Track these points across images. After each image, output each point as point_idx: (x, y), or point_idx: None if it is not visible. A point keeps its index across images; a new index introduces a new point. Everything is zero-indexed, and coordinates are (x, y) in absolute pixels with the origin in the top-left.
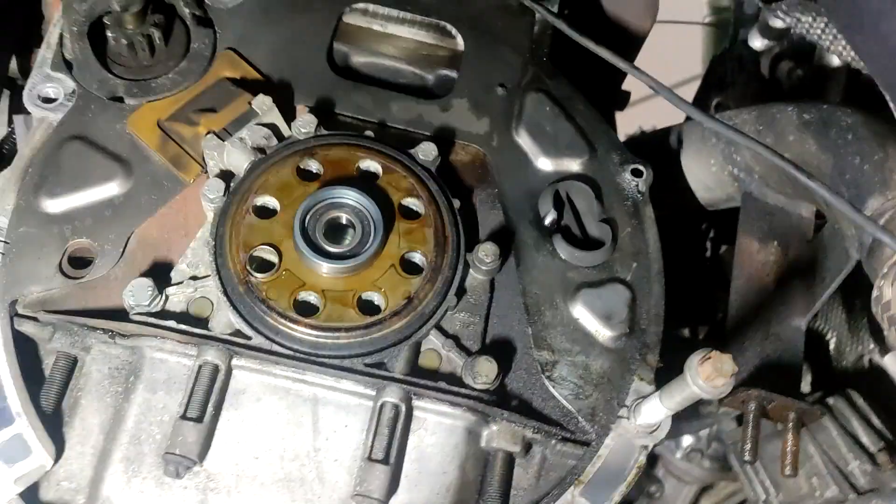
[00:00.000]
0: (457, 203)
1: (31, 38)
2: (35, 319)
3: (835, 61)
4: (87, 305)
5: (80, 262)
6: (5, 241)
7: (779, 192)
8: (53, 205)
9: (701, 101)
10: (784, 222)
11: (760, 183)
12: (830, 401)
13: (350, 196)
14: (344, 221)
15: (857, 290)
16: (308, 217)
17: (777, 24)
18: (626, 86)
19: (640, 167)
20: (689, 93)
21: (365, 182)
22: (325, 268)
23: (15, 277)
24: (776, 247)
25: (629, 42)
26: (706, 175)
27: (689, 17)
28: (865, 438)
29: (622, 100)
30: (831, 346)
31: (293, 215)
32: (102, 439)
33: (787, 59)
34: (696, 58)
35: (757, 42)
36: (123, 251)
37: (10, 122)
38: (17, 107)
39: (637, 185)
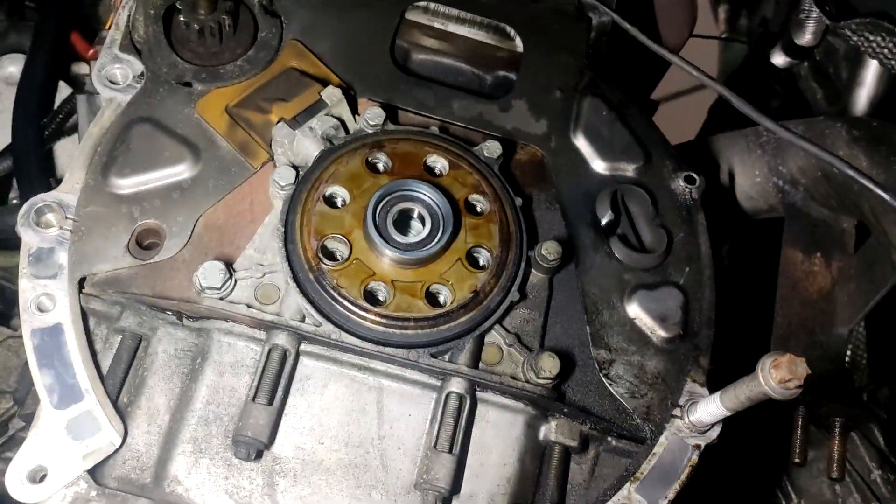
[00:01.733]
0: (518, 201)
1: None
2: (101, 298)
3: (866, 80)
4: (154, 286)
5: (147, 244)
6: (74, 219)
7: (823, 205)
8: (123, 185)
9: (719, 116)
10: (827, 235)
11: (805, 195)
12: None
13: (422, 189)
14: (415, 214)
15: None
16: (379, 207)
17: (802, 41)
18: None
19: (694, 175)
20: (701, 106)
21: (432, 177)
22: (396, 258)
23: (83, 256)
24: (820, 258)
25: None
26: (749, 185)
27: (705, 31)
28: (887, 448)
29: (651, 109)
30: (847, 357)
31: (363, 206)
32: (168, 419)
33: (808, 78)
34: (710, 71)
35: (779, 59)
36: (191, 234)
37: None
38: None
39: (690, 192)
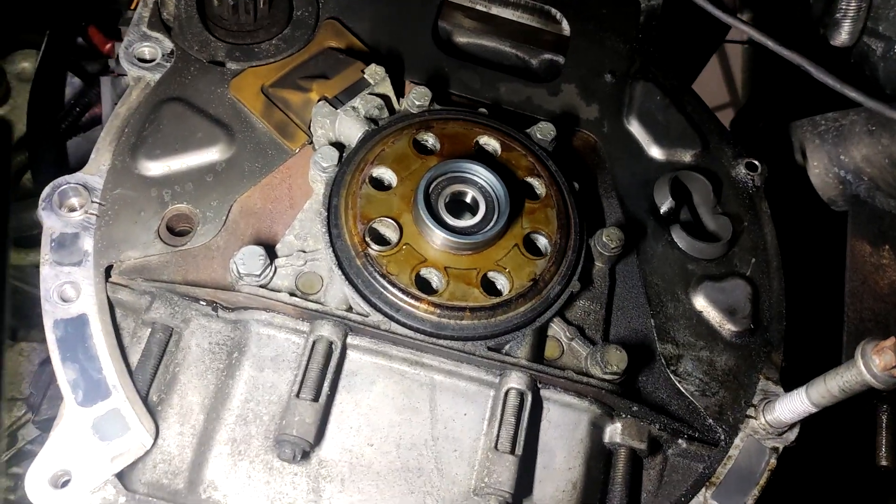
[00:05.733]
0: (576, 186)
1: None
2: (130, 287)
3: None
4: (186, 275)
5: (179, 229)
6: (100, 203)
7: (890, 195)
8: (152, 167)
9: (746, 122)
10: (894, 226)
11: (870, 185)
12: None
13: (476, 170)
14: (468, 198)
15: None
16: (430, 189)
17: (838, 42)
18: None
19: (756, 161)
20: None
21: (483, 159)
22: (450, 243)
23: (110, 241)
24: (888, 251)
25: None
26: (809, 177)
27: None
28: None
29: None
30: None
31: (412, 188)
32: (203, 419)
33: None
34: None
35: None
36: (225, 220)
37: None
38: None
39: (753, 180)
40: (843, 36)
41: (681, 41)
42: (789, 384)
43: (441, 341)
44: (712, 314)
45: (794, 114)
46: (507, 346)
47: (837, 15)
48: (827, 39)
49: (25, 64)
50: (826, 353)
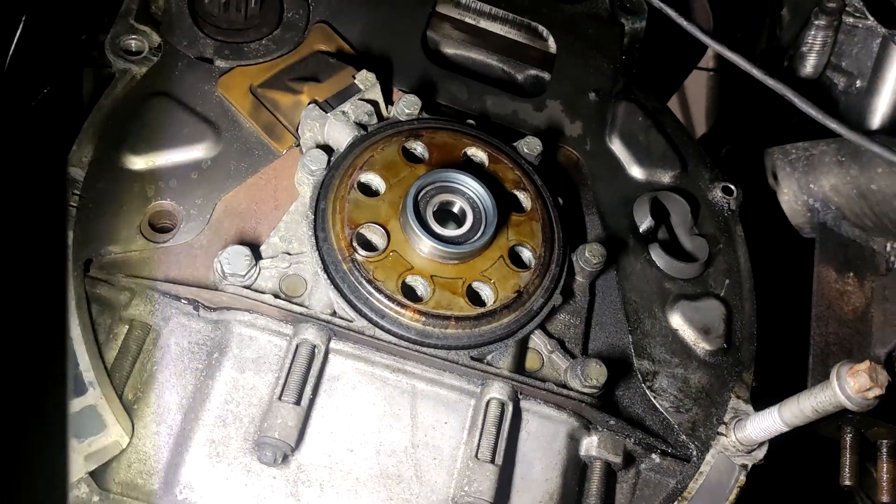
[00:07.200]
0: (560, 201)
1: None
2: (108, 283)
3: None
4: (168, 272)
5: (161, 226)
6: (81, 195)
7: (856, 224)
8: (136, 161)
9: (709, 147)
10: (859, 254)
11: (837, 215)
12: None
13: (465, 182)
14: (456, 207)
15: None
16: (419, 197)
17: (803, 74)
18: None
19: (732, 185)
20: None
21: (471, 170)
22: (437, 251)
23: (89, 235)
24: (853, 278)
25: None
26: (780, 203)
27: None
28: None
29: None
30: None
31: (401, 195)
32: (181, 419)
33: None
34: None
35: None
36: (210, 218)
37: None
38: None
39: (728, 203)
40: (807, 69)
41: (660, 64)
42: (758, 403)
43: (425, 349)
44: (687, 332)
45: (759, 140)
46: (489, 357)
47: (804, 48)
48: (792, 70)
49: None
50: (792, 375)
